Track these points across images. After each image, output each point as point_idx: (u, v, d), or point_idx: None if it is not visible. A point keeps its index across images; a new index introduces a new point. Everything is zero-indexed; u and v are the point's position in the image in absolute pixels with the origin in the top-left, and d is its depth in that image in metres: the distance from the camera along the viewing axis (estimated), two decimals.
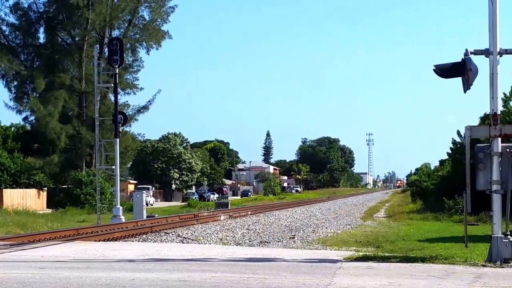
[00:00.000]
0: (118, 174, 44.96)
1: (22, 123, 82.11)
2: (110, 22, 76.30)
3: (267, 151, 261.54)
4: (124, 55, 50.78)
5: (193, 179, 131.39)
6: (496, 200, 16.79)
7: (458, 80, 17.32)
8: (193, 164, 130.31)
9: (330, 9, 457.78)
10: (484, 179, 17.00)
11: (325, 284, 13.16)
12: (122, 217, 42.46)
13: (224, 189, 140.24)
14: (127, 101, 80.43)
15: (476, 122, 48.12)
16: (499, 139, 16.87)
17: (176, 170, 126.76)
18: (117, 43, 44.63)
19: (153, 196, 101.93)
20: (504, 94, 46.66)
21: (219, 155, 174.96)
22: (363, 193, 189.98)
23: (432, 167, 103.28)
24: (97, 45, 72.67)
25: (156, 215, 50.04)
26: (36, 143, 77.96)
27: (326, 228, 43.51)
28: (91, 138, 67.28)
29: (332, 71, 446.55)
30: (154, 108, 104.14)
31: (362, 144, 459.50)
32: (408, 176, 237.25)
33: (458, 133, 57.25)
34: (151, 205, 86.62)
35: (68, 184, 73.18)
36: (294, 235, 37.39)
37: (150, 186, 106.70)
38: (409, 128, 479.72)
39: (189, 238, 32.78)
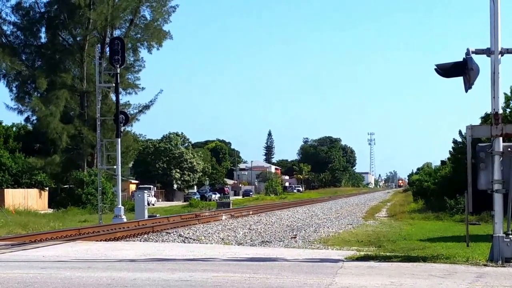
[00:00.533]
0: (120, 174, 44.95)
1: (23, 123, 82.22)
2: (112, 22, 76.29)
3: (269, 150, 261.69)
4: (126, 55, 50.65)
5: (195, 179, 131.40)
6: (498, 200, 16.78)
7: (459, 80, 17.32)
8: (195, 164, 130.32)
9: (332, 10, 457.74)
10: (485, 178, 16.99)
11: (326, 283, 13.16)
12: (123, 217, 42.44)
13: (226, 189, 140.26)
14: (128, 101, 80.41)
15: (477, 121, 48.09)
16: (501, 138, 16.87)
17: (178, 170, 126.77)
18: (118, 43, 44.61)
19: (154, 196, 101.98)
20: (505, 94, 46.65)
21: (220, 154, 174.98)
22: (365, 193, 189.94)
23: (434, 167, 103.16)
24: (99, 45, 72.66)
25: (157, 215, 50.01)
26: (38, 143, 78.02)
27: (328, 227, 43.48)
28: (93, 138, 67.29)
29: (333, 71, 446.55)
30: (155, 108, 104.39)
31: (364, 144, 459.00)
32: (409, 176, 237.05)
33: (460, 132, 57.26)
34: (153, 205, 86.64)
35: (69, 184, 73.16)
36: (295, 234, 37.36)
37: (151, 186, 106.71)
38: (411, 128, 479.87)
39: (190, 238, 32.78)
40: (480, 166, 17.09)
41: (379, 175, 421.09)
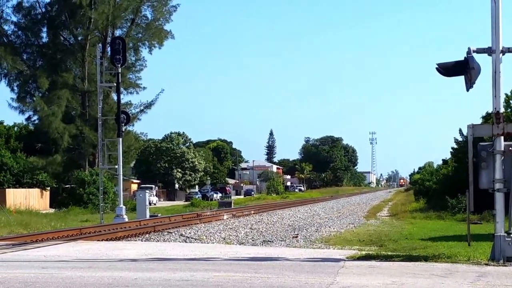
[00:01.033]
0: (121, 173, 44.95)
1: (25, 122, 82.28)
2: (113, 22, 76.36)
3: (270, 150, 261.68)
4: (127, 54, 50.60)
5: (196, 178, 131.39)
6: (499, 199, 16.77)
7: (461, 79, 17.30)
8: (196, 163, 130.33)
9: (333, 10, 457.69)
10: (487, 177, 16.98)
11: (328, 283, 13.15)
12: (125, 216, 42.45)
13: (227, 188, 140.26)
14: (130, 101, 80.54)
15: (478, 120, 48.06)
16: (502, 137, 16.85)
17: (179, 170, 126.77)
18: (119, 43, 44.61)
19: (156, 195, 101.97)
20: (506, 94, 46.62)
21: (222, 154, 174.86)
22: (366, 192, 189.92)
23: (435, 166, 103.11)
24: (100, 45, 72.77)
25: (159, 215, 50.03)
26: (39, 143, 78.08)
27: (329, 227, 43.45)
28: (94, 138, 67.32)
29: (334, 70, 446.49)
30: (157, 107, 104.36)
31: (365, 143, 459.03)
32: (411, 175, 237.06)
33: (460, 131, 57.17)
34: (154, 204, 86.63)
35: (71, 183, 73.19)
36: (297, 234, 37.33)
37: (153, 186, 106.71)
38: (412, 127, 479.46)
39: (192, 238, 32.77)
40: (482, 165, 17.08)
41: (381, 174, 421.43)
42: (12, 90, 76.54)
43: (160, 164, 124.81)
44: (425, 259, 17.18)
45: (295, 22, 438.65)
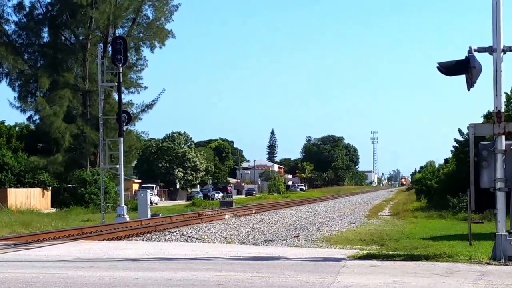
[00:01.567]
0: (122, 173, 44.94)
1: (26, 122, 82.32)
2: (114, 21, 76.35)
3: (272, 149, 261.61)
4: (128, 54, 50.63)
5: (198, 178, 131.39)
6: (500, 198, 16.76)
7: (462, 78, 17.30)
8: (198, 163, 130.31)
9: (334, 10, 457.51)
10: (488, 177, 16.98)
11: (329, 282, 13.14)
12: (126, 216, 42.43)
13: (229, 187, 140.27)
14: (131, 100, 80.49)
15: (480, 119, 48.01)
16: (503, 136, 16.84)
17: (181, 169, 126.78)
18: (120, 42, 44.57)
19: (157, 195, 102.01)
20: (506, 93, 46.55)
21: (223, 153, 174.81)
22: (368, 191, 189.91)
23: (437, 165, 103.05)
24: (101, 44, 72.69)
25: (160, 214, 50.01)
26: (40, 143, 78.05)
27: (331, 226, 43.47)
28: (95, 137, 67.34)
29: (336, 70, 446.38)
30: (158, 107, 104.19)
31: (367, 142, 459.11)
32: (412, 174, 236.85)
33: (460, 131, 57.07)
34: (156, 204, 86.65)
35: (72, 183, 73.19)
36: (298, 233, 37.35)
37: (154, 185, 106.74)
38: (414, 126, 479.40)
39: (193, 237, 32.77)
40: (483, 165, 17.07)
41: (382, 173, 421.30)
42: (14, 89, 76.72)
43: (161, 163, 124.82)
44: (427, 258, 17.18)
45: (296, 22, 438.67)
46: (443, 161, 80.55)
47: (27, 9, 77.67)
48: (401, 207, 68.50)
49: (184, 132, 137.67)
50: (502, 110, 16.90)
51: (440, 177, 69.21)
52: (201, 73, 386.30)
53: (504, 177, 16.71)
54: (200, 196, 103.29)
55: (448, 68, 17.50)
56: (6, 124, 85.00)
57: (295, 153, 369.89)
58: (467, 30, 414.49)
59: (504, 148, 16.81)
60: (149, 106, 79.16)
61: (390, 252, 19.92)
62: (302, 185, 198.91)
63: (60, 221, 44.09)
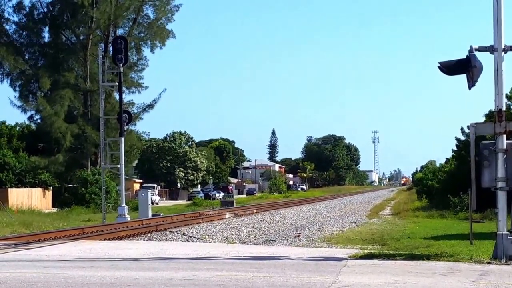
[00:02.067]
0: (123, 173, 44.95)
1: (27, 122, 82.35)
2: (115, 21, 76.36)
3: (273, 149, 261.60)
4: (129, 53, 50.66)
5: (199, 177, 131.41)
6: (501, 197, 16.76)
7: (463, 77, 17.29)
8: (199, 162, 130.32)
9: (335, 10, 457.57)
10: (489, 176, 16.98)
11: (330, 282, 13.14)
12: (127, 216, 42.44)
13: (230, 187, 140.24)
14: (132, 100, 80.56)
15: (481, 119, 47.99)
16: (504, 136, 16.84)
17: (182, 169, 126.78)
18: (121, 42, 44.58)
19: (158, 195, 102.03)
20: (507, 94, 46.55)
21: (224, 153, 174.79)
22: (369, 191, 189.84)
23: (438, 164, 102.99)
24: (102, 44, 72.79)
25: (161, 214, 50.02)
26: (41, 143, 78.06)
27: (332, 226, 43.44)
28: (96, 137, 67.34)
29: (337, 70, 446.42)
30: (159, 107, 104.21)
31: (368, 142, 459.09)
32: (413, 174, 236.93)
33: (462, 130, 57.09)
34: (157, 204, 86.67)
35: (73, 183, 73.21)
36: (299, 233, 37.32)
37: (155, 185, 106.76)
38: (415, 125, 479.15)
39: (194, 237, 32.75)
40: (484, 164, 17.07)
41: (383, 173, 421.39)
42: (14, 89, 76.69)
43: (162, 163, 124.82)
44: (428, 258, 17.17)
45: (296, 22, 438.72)
46: (444, 160, 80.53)
47: (27, 9, 77.70)
48: (402, 207, 68.45)
49: (185, 131, 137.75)
50: (503, 109, 16.90)
51: (441, 176, 69.17)
52: (202, 73, 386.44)
53: (505, 177, 16.71)
54: (201, 196, 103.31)
55: (449, 68, 17.50)
56: (7, 124, 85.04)
57: (296, 153, 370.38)
58: (468, 29, 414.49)
59: (505, 147, 16.80)
60: (150, 105, 79.27)
61: (391, 252, 19.91)
62: (303, 185, 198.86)
63: (61, 221, 44.10)
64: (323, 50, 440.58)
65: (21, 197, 67.78)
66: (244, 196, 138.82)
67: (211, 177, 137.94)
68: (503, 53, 16.82)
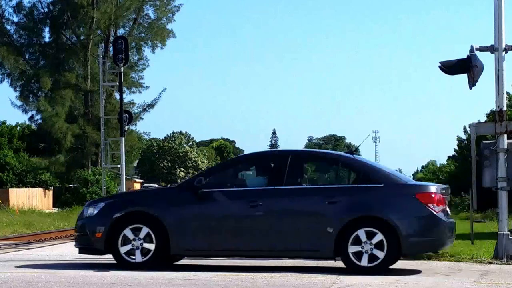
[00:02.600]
0: (124, 173, 44.81)
1: (27, 122, 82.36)
2: (115, 21, 76.31)
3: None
4: (129, 53, 50.61)
5: None
6: (502, 197, 16.76)
7: (463, 77, 17.29)
8: (199, 162, 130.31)
9: (336, 9, 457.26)
10: (490, 176, 16.97)
11: (331, 281, 13.12)
12: None
13: None
14: (132, 100, 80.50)
15: (482, 118, 48.00)
16: (505, 135, 16.83)
17: (182, 169, 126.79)
18: (122, 42, 44.39)
19: None
20: (508, 93, 46.53)
21: (225, 153, 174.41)
22: None
23: (438, 164, 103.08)
24: (102, 44, 72.56)
25: None
26: (42, 143, 78.08)
27: None
28: (97, 137, 67.26)
29: (337, 69, 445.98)
30: (160, 106, 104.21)
31: (369, 142, 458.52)
32: (414, 174, 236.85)
33: (464, 129, 57.14)
34: None
35: (74, 183, 73.22)
36: None
37: (156, 185, 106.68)
38: (416, 125, 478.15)
39: None
40: (485, 164, 17.07)
41: None
42: (15, 90, 76.71)
43: (163, 163, 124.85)
44: (428, 257, 17.17)
45: (297, 21, 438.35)
46: (446, 160, 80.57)
47: (28, 9, 77.67)
48: None
49: (186, 131, 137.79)
50: (504, 108, 16.90)
51: (442, 176, 69.21)
52: (202, 73, 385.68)
53: (506, 176, 16.71)
54: None
55: (450, 67, 17.50)
56: (7, 124, 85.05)
57: None
58: (469, 29, 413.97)
59: (506, 147, 16.80)
60: (151, 105, 79.25)
61: None
62: None
63: (61, 221, 44.06)
64: (324, 50, 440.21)
65: (22, 197, 67.77)
66: None
67: None
68: (504, 52, 16.81)
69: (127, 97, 75.77)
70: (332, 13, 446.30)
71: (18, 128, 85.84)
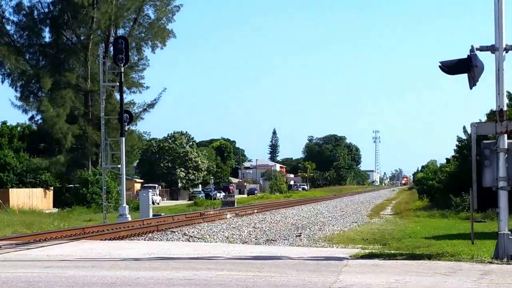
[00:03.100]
0: (124, 173, 44.94)
1: (28, 122, 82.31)
2: (115, 21, 76.34)
3: (274, 149, 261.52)
4: (130, 53, 50.65)
5: (200, 177, 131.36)
6: (503, 197, 16.75)
7: (464, 76, 17.29)
8: (199, 162, 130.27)
9: (336, 8, 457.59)
10: (490, 175, 16.97)
11: (331, 281, 13.13)
12: (128, 216, 42.40)
13: (231, 187, 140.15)
14: (133, 100, 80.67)
15: (483, 118, 47.96)
16: (505, 135, 16.83)
17: (182, 169, 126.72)
18: (122, 42, 44.54)
19: (159, 195, 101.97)
20: (508, 92, 46.48)
21: (225, 153, 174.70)
22: (370, 191, 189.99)
23: (439, 164, 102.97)
24: (103, 44, 72.56)
25: (162, 214, 50.00)
26: (42, 143, 78.06)
27: (333, 226, 43.46)
28: (97, 137, 67.31)
29: (337, 69, 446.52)
30: (159, 107, 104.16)
31: (369, 142, 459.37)
32: (414, 174, 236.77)
33: (464, 129, 57.10)
34: (157, 204, 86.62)
35: (74, 183, 73.23)
36: (300, 233, 37.36)
37: (156, 185, 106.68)
38: (416, 125, 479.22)
39: (195, 237, 32.76)
40: (485, 164, 17.07)
41: (384, 173, 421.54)
42: (15, 90, 76.71)
43: (163, 163, 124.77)
44: (429, 257, 17.16)
45: (297, 21, 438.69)
46: (445, 160, 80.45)
47: (27, 9, 77.66)
48: (403, 207, 68.44)
49: (186, 132, 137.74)
50: (505, 108, 16.89)
51: (442, 176, 69.14)
52: (203, 73, 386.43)
53: (507, 176, 16.71)
54: (202, 196, 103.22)
55: (450, 67, 17.50)
56: (8, 124, 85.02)
57: (297, 153, 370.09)
58: (470, 29, 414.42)
59: (506, 147, 16.79)
60: (151, 105, 79.30)
61: (392, 251, 19.90)
62: (304, 185, 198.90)
63: (62, 221, 44.12)
64: (323, 49, 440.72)
65: (22, 197, 67.78)
66: (245, 196, 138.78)
67: (212, 177, 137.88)
68: (504, 52, 16.82)
69: (127, 97, 75.99)
70: (333, 14, 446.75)
71: (18, 128, 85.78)
